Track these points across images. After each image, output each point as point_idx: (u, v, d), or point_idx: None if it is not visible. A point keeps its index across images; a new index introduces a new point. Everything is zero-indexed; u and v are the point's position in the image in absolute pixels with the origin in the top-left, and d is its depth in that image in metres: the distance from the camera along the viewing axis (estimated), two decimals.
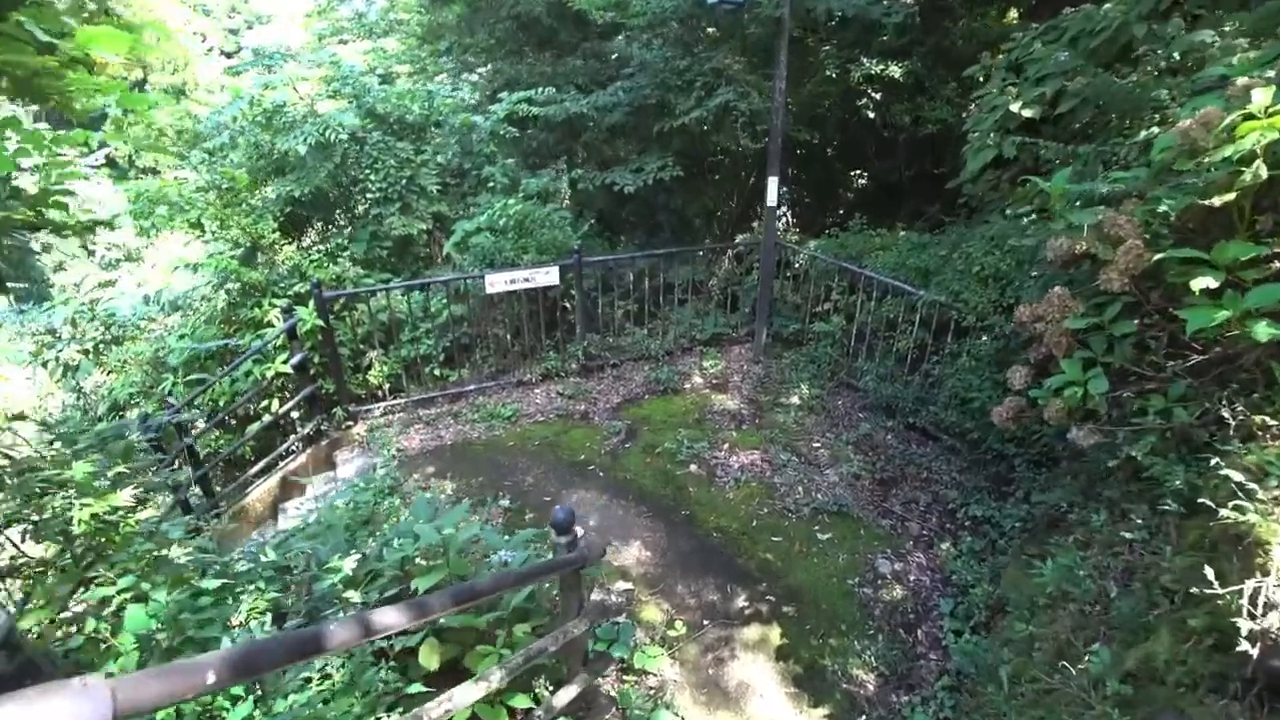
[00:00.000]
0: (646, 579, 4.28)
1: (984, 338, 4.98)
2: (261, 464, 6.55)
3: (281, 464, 6.62)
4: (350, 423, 6.49)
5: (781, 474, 5.27)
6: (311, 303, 5.93)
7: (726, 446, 5.67)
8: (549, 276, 6.42)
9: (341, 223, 7.70)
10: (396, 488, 5.53)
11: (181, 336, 6.59)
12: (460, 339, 6.92)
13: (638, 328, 7.28)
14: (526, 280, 6.36)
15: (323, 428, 6.45)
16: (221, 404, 6.35)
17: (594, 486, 5.29)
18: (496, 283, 6.29)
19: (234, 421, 6.77)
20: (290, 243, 7.35)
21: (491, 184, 7.77)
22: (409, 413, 6.61)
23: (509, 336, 6.91)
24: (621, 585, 4.22)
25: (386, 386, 6.70)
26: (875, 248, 6.84)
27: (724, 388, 6.67)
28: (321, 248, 7.30)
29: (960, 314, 5.05)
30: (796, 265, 7.45)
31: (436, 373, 6.80)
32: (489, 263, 6.77)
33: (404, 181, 7.56)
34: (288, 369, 6.07)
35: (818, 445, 5.67)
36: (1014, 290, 4.70)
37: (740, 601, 4.07)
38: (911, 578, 4.25)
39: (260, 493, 6.44)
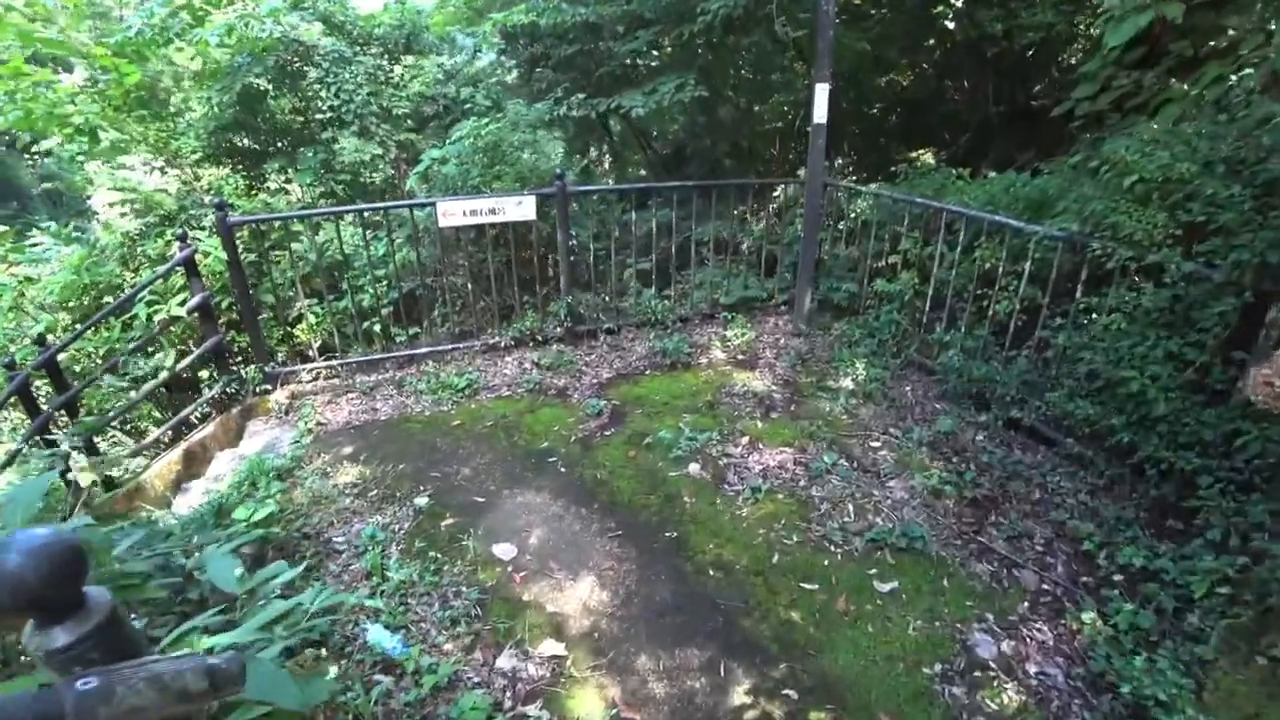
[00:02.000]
0: (593, 640, 2.69)
1: (1145, 285, 3.25)
2: (158, 432, 5.22)
3: (189, 434, 5.27)
4: (268, 387, 5.08)
5: (822, 484, 3.62)
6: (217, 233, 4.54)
7: (746, 441, 4.04)
8: (522, 208, 4.87)
9: (283, 148, 6.30)
10: (287, 472, 4.09)
11: (75, 271, 5.27)
12: (416, 290, 5.44)
13: (646, 289, 5.67)
14: (492, 212, 4.83)
15: (231, 390, 5.06)
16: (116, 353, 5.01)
17: (549, 486, 3.73)
18: (452, 213, 4.78)
19: (131, 379, 5.45)
20: (222, 168, 6.01)
21: (469, 107, 6.26)
22: (344, 378, 5.17)
23: (476, 289, 5.38)
24: (549, 648, 2.64)
25: (318, 344, 5.27)
26: (956, 189, 5.11)
27: (750, 364, 5.02)
28: (254, 173, 5.92)
29: (1104, 251, 3.32)
30: (853, 213, 5.73)
31: (382, 330, 5.34)
32: (452, 194, 5.28)
33: (364, 102, 6.13)
34: (182, 313, 4.69)
35: (877, 445, 3.99)
36: (1204, 204, 2.96)
37: (740, 696, 2.44)
38: (1031, 669, 2.56)
39: (161, 467, 5.09)
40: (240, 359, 5.33)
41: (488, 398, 4.80)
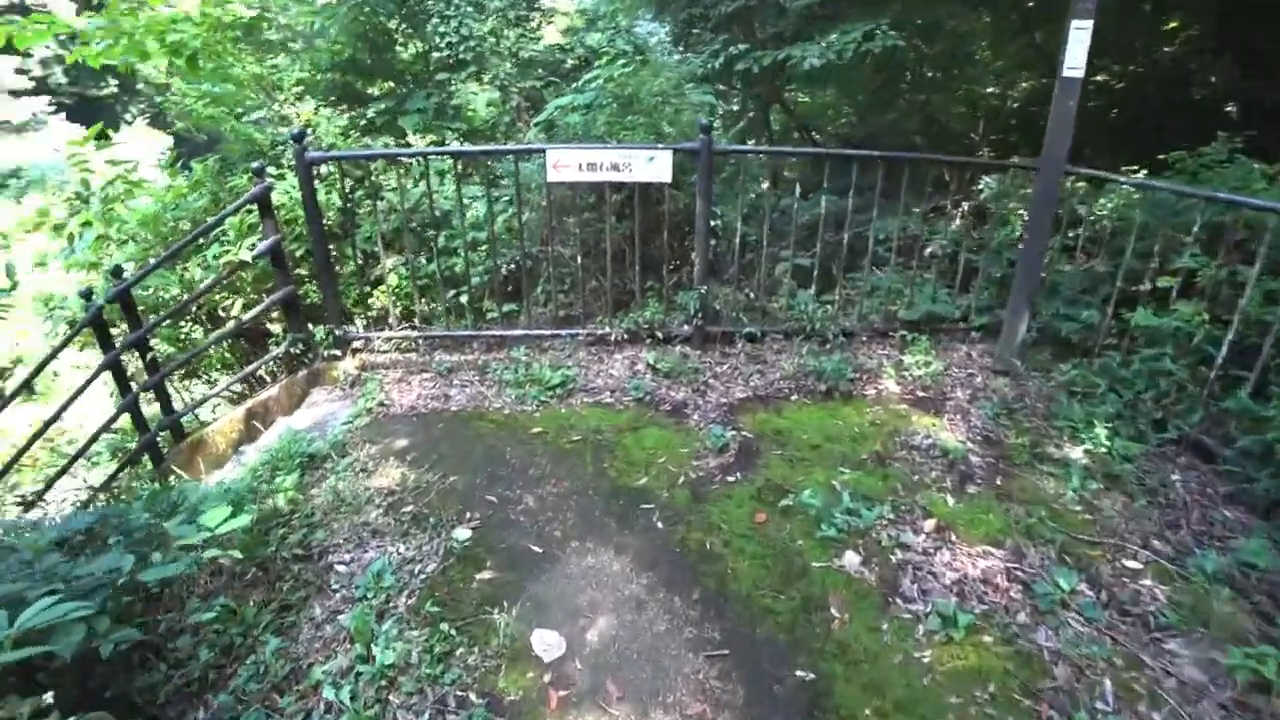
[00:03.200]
0: None
1: None
2: (222, 385, 4.69)
3: (256, 392, 4.71)
4: (337, 353, 4.36)
5: (1054, 627, 2.30)
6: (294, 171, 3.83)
7: (931, 526, 2.77)
8: (655, 166, 3.80)
9: (398, 91, 5.59)
10: (320, 460, 3.31)
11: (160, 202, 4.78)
12: (517, 260, 4.51)
13: (803, 289, 4.43)
14: (615, 168, 3.79)
15: (297, 351, 4.39)
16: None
17: (636, 547, 2.67)
18: (566, 165, 3.79)
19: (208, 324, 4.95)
20: (326, 108, 5.39)
21: (608, 51, 5.26)
22: (421, 354, 4.36)
23: (588, 266, 4.37)
24: None
25: (398, 311, 4.49)
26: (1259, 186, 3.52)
27: (936, 405, 3.69)
28: (354, 113, 5.24)
29: None
30: (1096, 214, 4.19)
31: (472, 303, 4.46)
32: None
33: (485, 39, 5.29)
34: (247, 257, 4.03)
35: (1137, 567, 2.59)
36: None
37: None
38: None
39: (224, 424, 4.57)
40: (312, 318, 4.66)
41: (583, 402, 3.80)
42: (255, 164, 3.85)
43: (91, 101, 22.26)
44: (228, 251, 4.08)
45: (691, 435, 3.45)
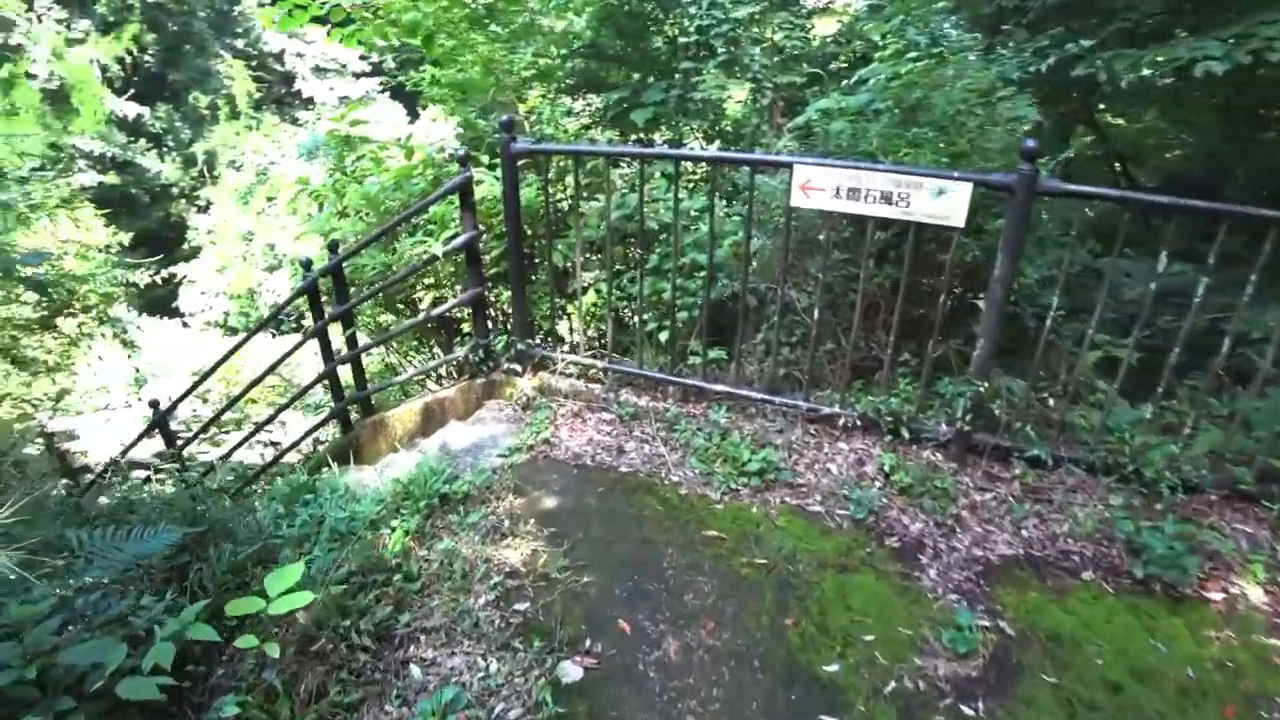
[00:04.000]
0: None
1: None
2: (405, 375, 4.48)
3: (438, 388, 4.47)
4: (517, 368, 3.87)
5: None
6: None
7: None
8: (945, 203, 2.69)
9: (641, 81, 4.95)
10: (455, 503, 2.79)
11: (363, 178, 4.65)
12: (735, 297, 3.63)
13: (1123, 402, 2.99)
14: (887, 198, 2.75)
15: (476, 359, 3.98)
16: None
17: None
18: (819, 185, 2.83)
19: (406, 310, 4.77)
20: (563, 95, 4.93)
21: (890, 45, 4.12)
22: (607, 388, 3.70)
23: (827, 321, 3.36)
24: None
25: (589, 333, 3.87)
26: None
27: None
28: (581, 104, 4.69)
29: None
30: None
31: (673, 340, 3.68)
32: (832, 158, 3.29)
33: (741, 26, 4.43)
34: (438, 251, 3.65)
35: None
36: None
37: None
38: None
39: (403, 412, 4.40)
40: (498, 324, 4.24)
41: (782, 503, 2.87)
42: (460, 151, 3.41)
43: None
44: (423, 241, 3.74)
45: (922, 603, 2.36)
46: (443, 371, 4.47)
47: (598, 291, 3.68)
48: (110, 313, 11.49)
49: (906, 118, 3.34)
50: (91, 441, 8.61)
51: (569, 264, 3.92)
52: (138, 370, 11.85)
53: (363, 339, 4.80)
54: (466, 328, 4.20)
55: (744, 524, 2.74)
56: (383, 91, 24.49)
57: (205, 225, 17.88)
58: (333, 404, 4.67)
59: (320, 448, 5.73)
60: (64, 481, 7.75)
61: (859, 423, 3.15)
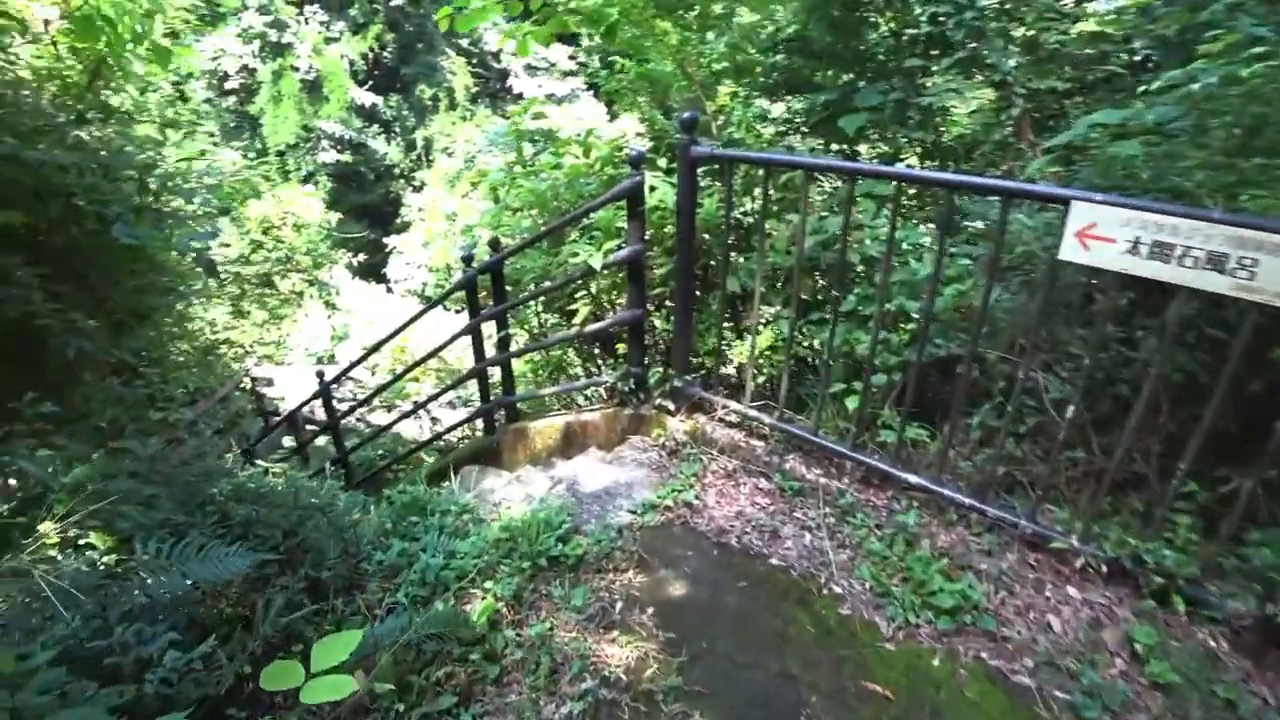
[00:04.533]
0: None
1: None
2: (551, 389, 4.18)
3: (582, 408, 4.14)
4: (670, 405, 3.37)
5: None
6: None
7: None
8: None
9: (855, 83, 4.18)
10: (567, 567, 2.35)
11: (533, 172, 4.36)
12: (963, 365, 2.82)
13: None
14: (1219, 262, 1.86)
15: (627, 388, 3.54)
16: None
17: None
18: (1108, 235, 2.00)
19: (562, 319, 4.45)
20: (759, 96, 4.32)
21: (1220, 35, 3.03)
22: (770, 448, 3.07)
23: (1081, 416, 2.45)
24: None
25: (759, 381, 3.24)
26: None
27: None
28: (779, 107, 4.04)
29: None
30: None
31: (861, 408, 2.95)
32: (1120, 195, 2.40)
33: (981, 16, 3.54)
34: (596, 264, 3.23)
35: None
36: None
37: None
38: None
39: (546, 427, 4.14)
40: (655, 353, 3.75)
41: (973, 659, 2.10)
42: (633, 151, 2.95)
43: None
44: (584, 250, 3.34)
45: None
46: (589, 391, 4.09)
47: (776, 331, 3.06)
48: (319, 276, 12.84)
49: (1244, 142, 2.36)
50: (286, 389, 9.46)
51: (746, 293, 3.33)
52: (334, 329, 13.09)
53: (518, 342, 4.58)
54: (622, 348, 3.76)
55: (920, 681, 2.02)
56: (587, 90, 25.32)
57: (417, 203, 19.68)
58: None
59: (465, 442, 5.70)
60: (259, 424, 8.57)
61: (1104, 567, 2.26)
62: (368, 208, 21.08)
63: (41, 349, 3.36)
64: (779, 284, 3.41)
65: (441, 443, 5.69)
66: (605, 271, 3.44)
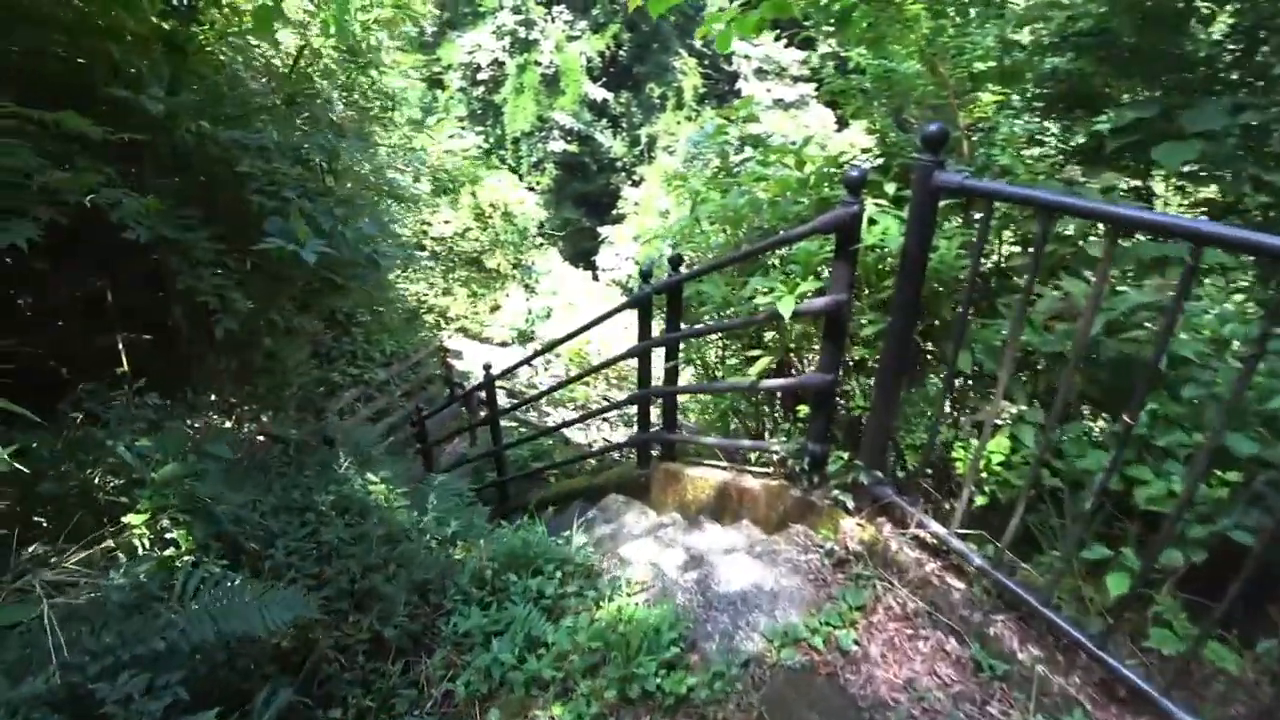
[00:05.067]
0: None
1: None
2: (712, 439, 3.63)
3: (743, 469, 3.54)
4: (849, 503, 2.61)
5: None
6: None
7: None
8: None
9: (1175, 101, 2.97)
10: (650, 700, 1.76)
11: (724, 191, 3.74)
12: None
13: None
14: None
15: (800, 468, 2.85)
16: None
17: None
18: None
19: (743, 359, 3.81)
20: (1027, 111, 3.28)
21: None
22: (977, 603, 2.19)
23: None
24: None
25: (977, 500, 2.34)
26: None
27: None
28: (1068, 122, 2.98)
29: None
30: None
31: (1133, 589, 1.97)
32: None
33: None
34: (786, 313, 2.54)
35: None
36: None
37: None
38: None
39: (700, 478, 3.71)
40: (844, 429, 2.98)
41: None
42: (853, 171, 2.22)
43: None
44: (773, 288, 2.66)
45: None
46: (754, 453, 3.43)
47: (1015, 438, 2.16)
48: (523, 260, 13.46)
49: None
50: (473, 363, 9.83)
51: (980, 376, 2.46)
52: (530, 311, 13.62)
53: (687, 376, 4.06)
54: (803, 411, 3.04)
55: None
56: (816, 97, 24.16)
57: (634, 197, 20.25)
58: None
59: (616, 469, 5.31)
60: (446, 391, 8.96)
61: None
62: (587, 197, 22.00)
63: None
64: (1031, 372, 2.47)
65: (593, 459, 5.36)
66: (795, 319, 2.75)
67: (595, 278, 18.07)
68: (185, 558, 1.95)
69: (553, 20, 21.43)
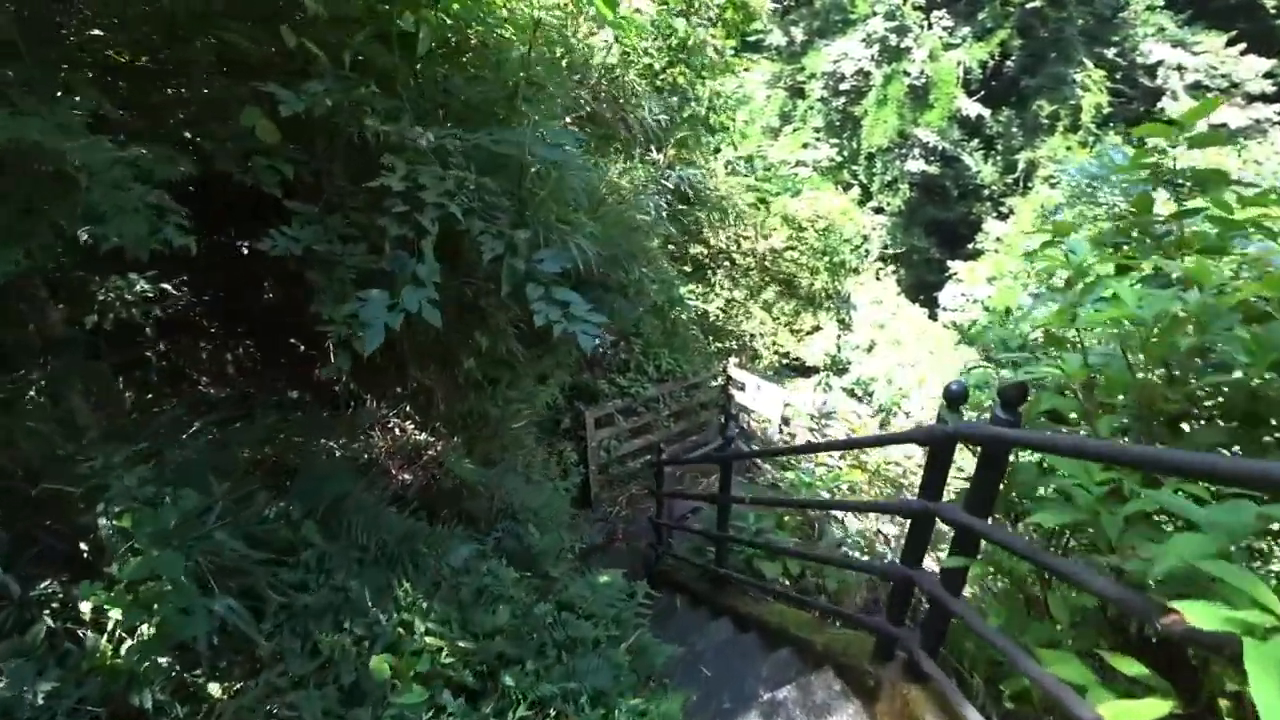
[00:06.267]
0: None
1: None
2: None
3: None
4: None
5: None
6: None
7: None
8: None
9: None
10: None
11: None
12: None
13: None
14: None
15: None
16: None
17: None
18: None
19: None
20: None
21: None
22: None
23: None
24: None
25: None
26: None
27: None
28: None
29: None
30: None
31: None
32: None
33: None
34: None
35: None
36: None
37: None
38: None
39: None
40: None
41: None
42: None
43: None
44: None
45: None
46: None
47: None
48: (838, 287, 11.80)
49: None
50: (750, 400, 8.68)
51: None
52: (839, 349, 11.96)
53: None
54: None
55: None
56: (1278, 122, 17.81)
57: (996, 231, 17.42)
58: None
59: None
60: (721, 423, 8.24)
61: None
62: (941, 225, 19.45)
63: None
64: None
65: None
66: None
67: (933, 316, 15.67)
68: None
69: (929, 26, 19.23)
